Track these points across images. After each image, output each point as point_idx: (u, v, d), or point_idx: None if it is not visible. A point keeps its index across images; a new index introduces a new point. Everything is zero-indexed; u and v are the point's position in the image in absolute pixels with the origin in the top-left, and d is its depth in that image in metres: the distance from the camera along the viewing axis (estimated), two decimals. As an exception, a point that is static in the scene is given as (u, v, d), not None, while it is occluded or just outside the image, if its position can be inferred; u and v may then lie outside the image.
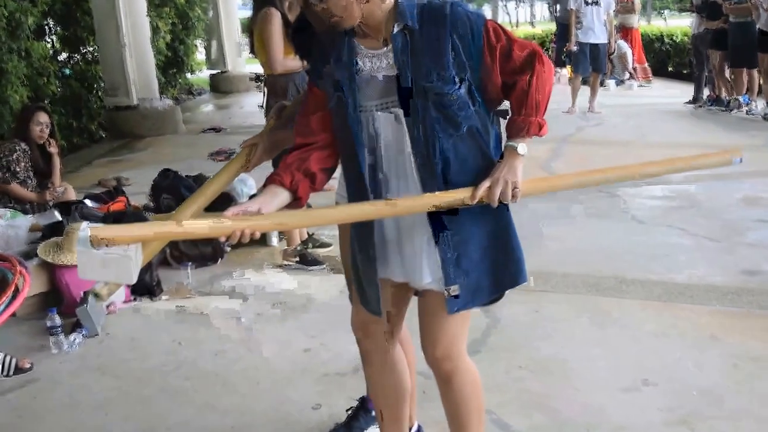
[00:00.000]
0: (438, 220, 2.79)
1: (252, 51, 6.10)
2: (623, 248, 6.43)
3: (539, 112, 2.72)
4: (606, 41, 13.54)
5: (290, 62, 5.79)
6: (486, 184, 2.71)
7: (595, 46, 13.39)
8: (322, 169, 2.89)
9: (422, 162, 2.75)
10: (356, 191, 2.89)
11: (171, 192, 6.78)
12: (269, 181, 2.81)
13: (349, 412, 3.85)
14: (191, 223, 2.66)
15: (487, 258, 2.86)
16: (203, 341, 4.94)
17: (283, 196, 2.78)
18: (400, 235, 2.89)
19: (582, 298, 5.45)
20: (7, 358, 4.59)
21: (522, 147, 2.73)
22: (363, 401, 3.83)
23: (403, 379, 3.27)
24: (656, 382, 4.22)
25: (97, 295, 4.93)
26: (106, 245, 2.43)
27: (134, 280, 2.59)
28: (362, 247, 2.95)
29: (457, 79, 2.69)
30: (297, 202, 2.82)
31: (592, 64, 13.40)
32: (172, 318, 5.36)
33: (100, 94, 13.07)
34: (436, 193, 2.72)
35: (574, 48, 13.36)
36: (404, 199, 2.76)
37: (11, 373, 4.55)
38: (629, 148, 10.63)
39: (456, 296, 2.83)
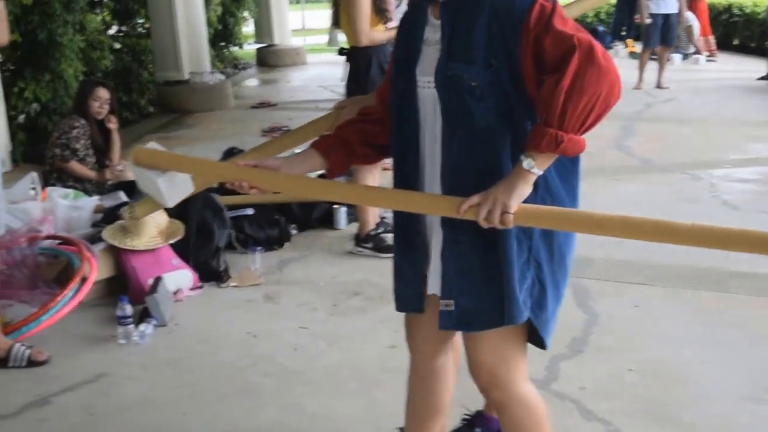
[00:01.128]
0: (449, 225, 2.45)
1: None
2: (719, 237, 6.02)
3: (565, 124, 2.19)
4: (677, 11, 13.02)
5: (376, 34, 5.52)
6: (474, 199, 2.30)
7: (666, 17, 12.86)
8: (363, 143, 2.67)
9: (440, 153, 2.47)
10: (395, 173, 2.64)
11: (237, 171, 6.46)
12: (310, 144, 2.71)
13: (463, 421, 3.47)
14: (210, 163, 2.78)
15: (493, 281, 2.44)
16: (278, 334, 4.62)
17: (314, 161, 2.67)
18: (432, 232, 2.60)
19: (682, 292, 5.09)
20: (20, 349, 4.29)
21: (529, 162, 2.26)
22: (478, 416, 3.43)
23: (438, 397, 2.93)
24: (783, 390, 3.87)
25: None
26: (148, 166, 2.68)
27: (167, 204, 2.75)
28: (403, 235, 2.70)
29: (484, 63, 2.31)
30: (330, 171, 2.70)
31: (662, 37, 12.88)
32: (242, 307, 5.05)
33: (150, 68, 12.78)
34: (430, 194, 2.49)
35: (648, 20, 12.81)
36: (400, 192, 2.57)
37: (23, 364, 4.27)
38: (703, 126, 10.30)
39: (450, 312, 2.49)
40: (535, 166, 2.26)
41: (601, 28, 18.24)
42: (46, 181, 6.61)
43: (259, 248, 5.69)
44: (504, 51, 2.29)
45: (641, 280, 5.25)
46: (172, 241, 5.21)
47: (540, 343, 2.60)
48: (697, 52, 16.73)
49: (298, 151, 3.01)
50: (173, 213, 5.41)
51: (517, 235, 2.39)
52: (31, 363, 4.27)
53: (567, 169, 2.46)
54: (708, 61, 16.56)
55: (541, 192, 2.38)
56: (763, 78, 13.61)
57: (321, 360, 4.28)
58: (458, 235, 2.43)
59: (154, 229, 5.17)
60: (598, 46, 2.19)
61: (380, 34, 5.54)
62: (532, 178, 2.28)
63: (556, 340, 4.21)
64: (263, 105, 12.79)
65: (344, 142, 2.67)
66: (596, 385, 3.95)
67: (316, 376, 4.13)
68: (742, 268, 5.34)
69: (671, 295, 5.02)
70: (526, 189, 2.28)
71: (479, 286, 2.45)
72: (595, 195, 6.98)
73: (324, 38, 24.89)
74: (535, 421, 2.69)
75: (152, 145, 2.78)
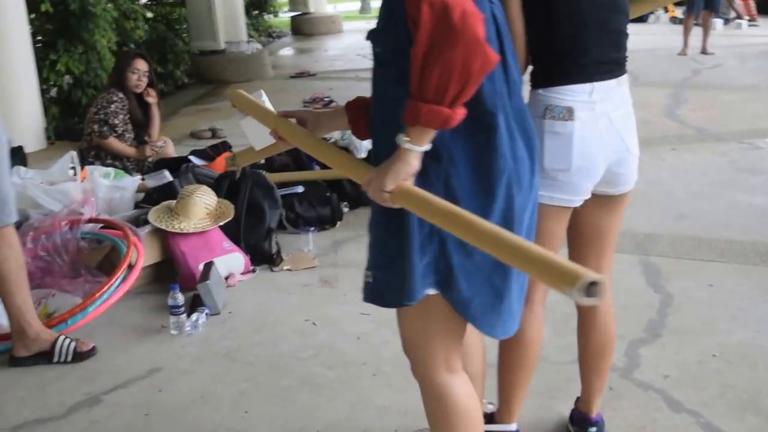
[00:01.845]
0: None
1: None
2: (787, 210, 5.75)
3: (423, 94, 1.97)
4: None
5: None
6: (371, 175, 2.17)
7: None
8: None
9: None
10: None
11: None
12: (345, 103, 2.69)
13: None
14: (266, 110, 2.83)
15: (397, 257, 2.27)
16: (339, 321, 4.38)
17: (343, 120, 2.68)
18: None
19: (757, 269, 4.83)
20: (65, 342, 4.04)
21: (400, 137, 2.06)
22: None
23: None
24: None
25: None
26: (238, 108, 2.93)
27: (255, 146, 2.99)
28: None
29: (386, 30, 2.21)
30: (354, 133, 2.69)
31: (707, 2, 12.62)
32: (298, 292, 4.80)
33: (184, 37, 12.53)
34: (355, 159, 2.46)
35: None
36: (340, 155, 2.54)
37: (69, 358, 4.03)
38: (755, 92, 10.01)
39: (369, 283, 2.39)
40: (407, 142, 2.06)
41: (641, -6, 17.88)
42: (83, 159, 6.40)
43: (312, 228, 5.45)
44: (400, 15, 2.07)
45: (713, 257, 5.00)
46: (221, 223, 4.97)
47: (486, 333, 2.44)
48: (738, 16, 16.38)
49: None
50: (222, 193, 5.20)
51: None
52: (78, 356, 4.05)
53: (480, 143, 2.21)
54: (750, 25, 16.18)
55: (445, 165, 2.20)
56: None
57: (387, 349, 4.02)
58: (374, 206, 2.28)
59: (202, 211, 4.93)
60: (456, 8, 1.89)
61: None
62: (410, 155, 2.08)
63: (633, 323, 4.07)
64: (302, 75, 12.55)
65: (368, 108, 2.53)
66: (681, 373, 3.72)
67: (383, 367, 3.88)
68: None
69: (746, 273, 4.77)
70: (403, 167, 2.09)
71: (388, 261, 2.31)
72: (652, 166, 6.72)
73: (356, 5, 24.64)
74: (447, 418, 2.49)
75: (258, 94, 2.98)
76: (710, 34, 12.98)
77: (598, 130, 2.65)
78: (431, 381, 2.48)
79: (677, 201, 5.98)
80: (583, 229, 2.95)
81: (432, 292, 2.29)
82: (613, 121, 2.68)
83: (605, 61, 2.68)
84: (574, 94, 2.62)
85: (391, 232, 2.26)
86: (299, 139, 2.67)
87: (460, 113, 2.00)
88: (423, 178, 2.16)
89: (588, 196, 2.78)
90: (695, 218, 5.65)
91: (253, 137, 2.94)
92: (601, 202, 2.86)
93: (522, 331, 2.80)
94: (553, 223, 2.77)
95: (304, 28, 18.47)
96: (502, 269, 2.30)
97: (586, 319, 3.08)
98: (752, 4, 16.87)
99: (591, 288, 1.69)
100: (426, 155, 2.12)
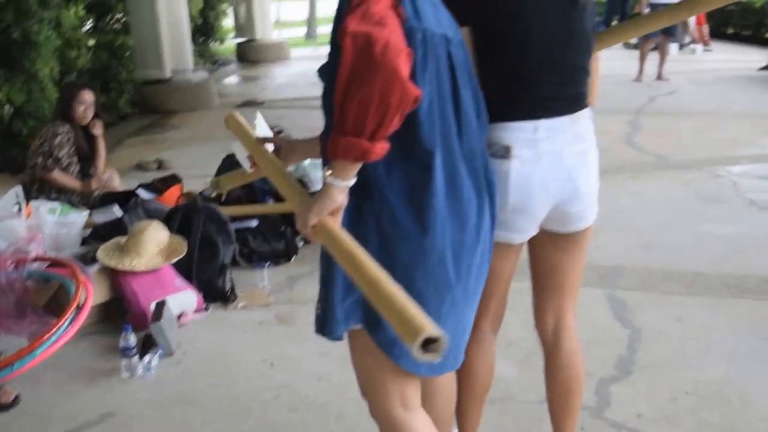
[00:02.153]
0: None
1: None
2: (753, 241, 5.69)
3: (342, 127, 1.92)
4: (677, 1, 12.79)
5: None
6: (301, 208, 2.12)
7: (667, 7, 12.53)
8: None
9: None
10: None
11: (239, 180, 6.03)
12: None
13: None
14: (248, 134, 2.75)
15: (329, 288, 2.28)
16: (298, 360, 4.20)
17: (316, 150, 2.52)
18: None
19: (726, 302, 4.74)
20: None
21: (325, 172, 2.03)
22: None
23: (439, 411, 2.75)
24: None
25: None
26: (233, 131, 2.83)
27: (245, 168, 2.91)
28: None
29: (332, 59, 2.15)
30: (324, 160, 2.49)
31: (664, 28, 12.67)
32: (253, 330, 4.61)
33: (128, 65, 12.27)
34: (305, 193, 2.29)
35: (646, 10, 12.58)
36: (295, 189, 2.38)
37: None
38: (712, 119, 10.00)
39: (317, 315, 2.35)
40: (331, 175, 2.02)
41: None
42: (27, 193, 6.14)
43: (266, 264, 5.26)
44: None
45: (680, 290, 4.91)
46: (174, 260, 4.77)
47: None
48: (693, 41, 16.51)
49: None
50: (174, 228, 5.01)
51: None
52: None
53: (415, 182, 2.18)
54: (705, 50, 16.33)
55: (377, 203, 2.19)
56: (764, 68, 13.37)
57: (350, 390, 3.79)
58: None
59: (154, 247, 4.74)
60: (379, 41, 1.84)
61: None
62: (333, 190, 2.04)
63: (602, 360, 3.95)
64: (250, 104, 12.28)
65: None
66: (654, 411, 3.61)
67: (347, 409, 3.72)
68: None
69: (715, 306, 4.67)
70: (327, 202, 2.05)
71: (325, 293, 2.29)
72: (613, 195, 6.63)
73: (302, 31, 24.49)
74: None
75: (258, 120, 3.05)
76: (666, 60, 13.01)
77: (540, 168, 2.55)
78: (387, 420, 2.44)
79: (640, 231, 5.88)
80: (542, 267, 2.88)
81: (358, 326, 2.27)
82: (562, 159, 2.58)
83: (555, 97, 2.59)
84: (515, 131, 2.54)
85: (326, 264, 2.23)
86: (266, 167, 2.60)
87: (380, 147, 1.93)
88: (356, 216, 2.15)
89: (531, 233, 2.70)
90: (660, 249, 5.56)
91: (243, 160, 2.93)
92: (556, 239, 2.77)
93: (468, 361, 2.69)
94: (492, 259, 2.65)
95: (250, 55, 18.21)
96: (434, 312, 2.18)
97: (551, 357, 2.98)
98: (705, 29, 17.00)
99: (428, 344, 1.67)
100: (359, 193, 2.11)
